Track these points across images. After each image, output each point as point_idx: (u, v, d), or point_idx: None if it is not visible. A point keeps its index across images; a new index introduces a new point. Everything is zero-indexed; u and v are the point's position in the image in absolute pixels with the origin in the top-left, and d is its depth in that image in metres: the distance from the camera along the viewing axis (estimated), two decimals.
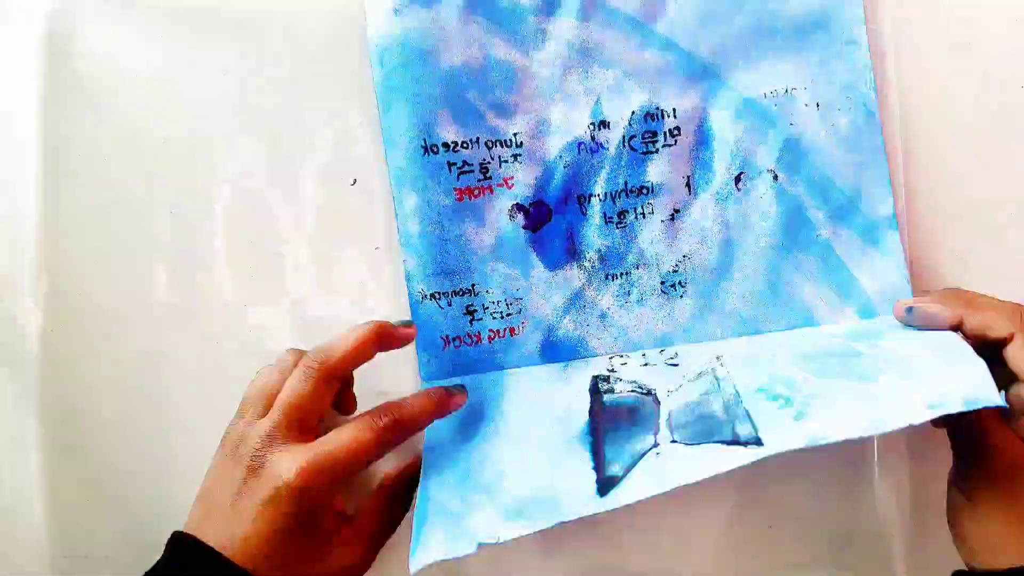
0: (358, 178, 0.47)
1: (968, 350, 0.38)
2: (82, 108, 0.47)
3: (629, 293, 0.46)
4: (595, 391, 0.45)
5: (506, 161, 0.46)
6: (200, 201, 0.47)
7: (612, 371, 0.46)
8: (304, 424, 0.39)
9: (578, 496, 0.38)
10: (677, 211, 0.46)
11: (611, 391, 0.44)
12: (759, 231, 0.46)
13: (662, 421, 0.41)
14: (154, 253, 0.47)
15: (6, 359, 0.47)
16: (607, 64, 0.45)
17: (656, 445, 0.40)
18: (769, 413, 0.38)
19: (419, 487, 0.42)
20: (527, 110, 0.45)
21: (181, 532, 0.38)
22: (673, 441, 0.40)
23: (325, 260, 0.47)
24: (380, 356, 0.42)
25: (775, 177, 0.45)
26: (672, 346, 0.46)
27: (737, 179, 0.45)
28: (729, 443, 0.38)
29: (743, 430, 0.38)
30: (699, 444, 0.39)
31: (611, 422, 0.42)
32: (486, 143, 0.45)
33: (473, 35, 0.45)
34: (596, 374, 0.45)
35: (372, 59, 0.45)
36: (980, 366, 0.37)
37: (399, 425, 0.40)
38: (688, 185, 0.46)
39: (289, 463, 0.37)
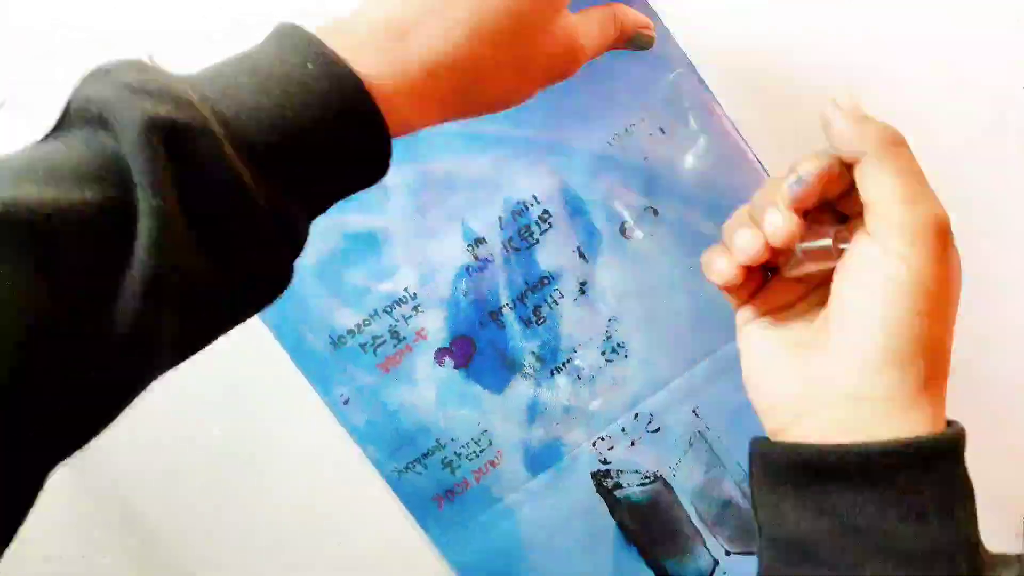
0: None
1: None
2: None
3: (579, 377, 0.47)
4: (603, 490, 0.46)
5: (410, 317, 0.46)
6: None
7: (605, 463, 0.46)
8: None
9: None
10: (583, 283, 0.46)
11: (619, 486, 0.46)
12: (666, 265, 0.46)
13: (695, 519, 0.46)
14: None
15: None
16: (454, 187, 0.45)
17: (716, 563, 0.47)
18: None
19: None
20: (405, 263, 0.45)
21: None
22: (728, 553, 0.47)
23: None
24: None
25: (655, 212, 0.46)
26: (642, 402, 0.47)
27: (622, 230, 0.46)
28: None
29: None
30: (752, 553, 0.46)
31: (640, 523, 0.46)
32: (384, 310, 0.45)
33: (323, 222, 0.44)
34: (592, 471, 0.46)
35: None
36: None
37: None
38: (582, 255, 0.46)
39: None
